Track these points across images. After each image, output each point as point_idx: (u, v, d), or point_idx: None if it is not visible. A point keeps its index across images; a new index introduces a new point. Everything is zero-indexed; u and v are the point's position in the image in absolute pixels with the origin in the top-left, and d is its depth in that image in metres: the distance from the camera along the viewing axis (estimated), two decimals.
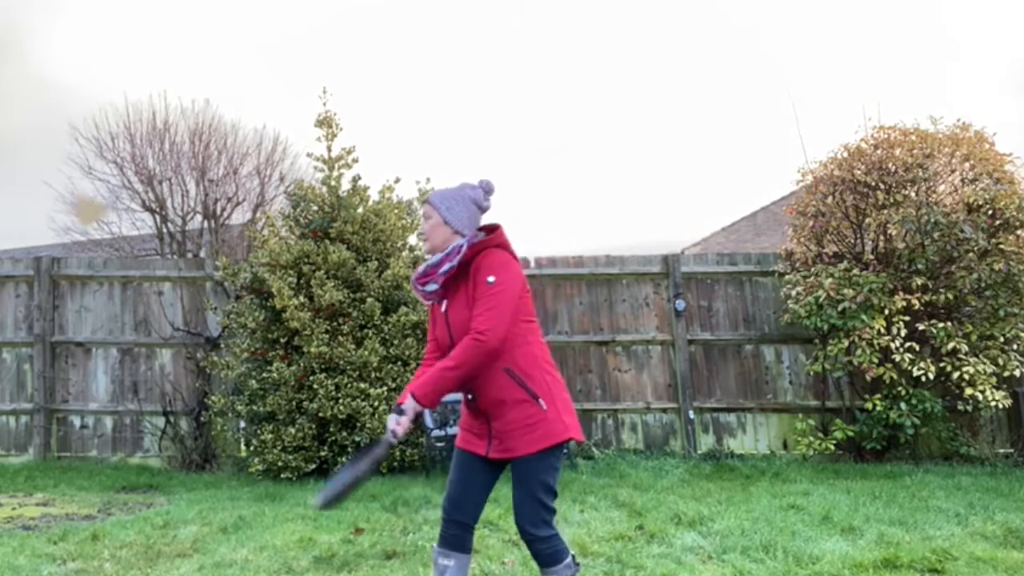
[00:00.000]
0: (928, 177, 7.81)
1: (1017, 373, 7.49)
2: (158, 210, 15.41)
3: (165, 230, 15.51)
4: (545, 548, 2.81)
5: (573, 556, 2.88)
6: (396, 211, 7.96)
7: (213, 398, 7.73)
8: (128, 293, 8.52)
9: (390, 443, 2.87)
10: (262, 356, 7.49)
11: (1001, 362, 7.36)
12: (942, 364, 7.35)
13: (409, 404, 2.79)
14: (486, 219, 3.11)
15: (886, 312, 7.40)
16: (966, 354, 7.31)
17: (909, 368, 7.29)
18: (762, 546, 4.35)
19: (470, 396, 2.89)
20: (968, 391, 7.22)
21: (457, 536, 2.95)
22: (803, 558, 4.13)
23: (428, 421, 7.09)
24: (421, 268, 2.97)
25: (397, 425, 2.81)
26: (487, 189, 3.04)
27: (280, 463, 6.98)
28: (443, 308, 2.96)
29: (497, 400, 2.82)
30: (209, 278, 8.44)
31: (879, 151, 7.97)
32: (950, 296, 7.50)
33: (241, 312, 7.65)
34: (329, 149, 7.98)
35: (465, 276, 2.86)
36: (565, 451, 2.90)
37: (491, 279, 2.78)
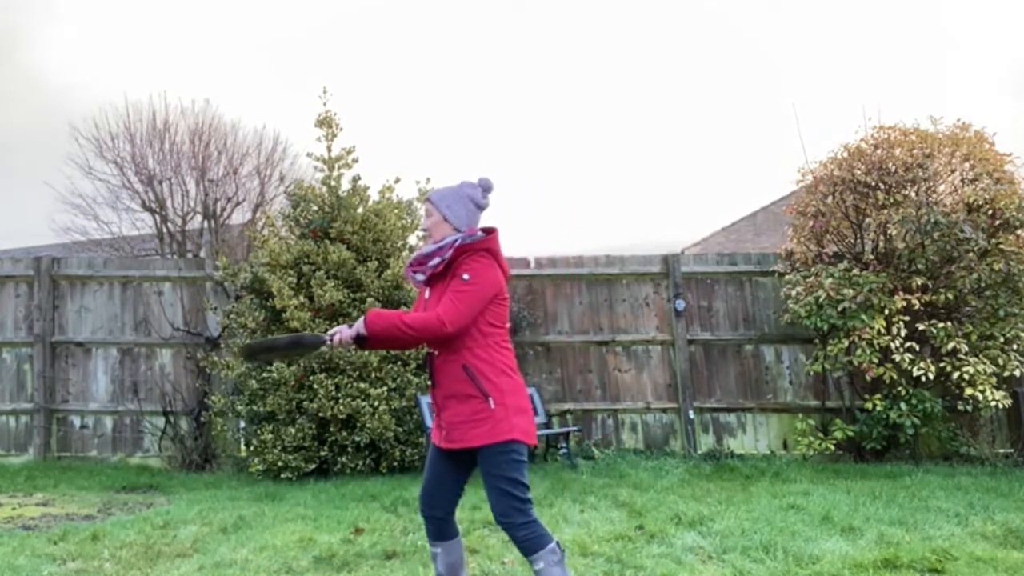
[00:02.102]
0: (928, 177, 7.81)
1: (1017, 373, 7.48)
2: (158, 210, 15.41)
3: (165, 230, 15.51)
4: (522, 535, 2.92)
5: (558, 542, 2.96)
6: (396, 211, 7.96)
7: (213, 398, 7.73)
8: (128, 293, 8.51)
9: (323, 340, 3.05)
10: None
11: (1001, 362, 7.36)
12: (942, 364, 7.35)
13: (359, 323, 2.96)
14: (486, 217, 3.20)
15: (886, 312, 7.40)
16: (966, 354, 7.31)
17: (909, 368, 7.29)
18: (762, 546, 4.34)
19: (430, 383, 3.08)
20: (968, 391, 7.22)
21: (437, 527, 3.15)
22: (803, 558, 4.13)
23: (428, 421, 7.09)
24: (415, 255, 3.16)
25: (338, 334, 3.00)
26: (486, 187, 3.17)
27: (280, 463, 6.98)
28: (426, 295, 3.14)
29: (450, 393, 3.01)
30: (209, 278, 8.44)
31: (879, 151, 7.97)
32: (950, 296, 7.50)
33: (241, 312, 7.65)
34: (329, 149, 7.98)
35: (448, 273, 3.03)
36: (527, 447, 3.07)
37: (466, 277, 2.97)
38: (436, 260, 3.04)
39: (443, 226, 3.08)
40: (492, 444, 2.93)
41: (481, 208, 3.14)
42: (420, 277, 3.11)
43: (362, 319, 2.96)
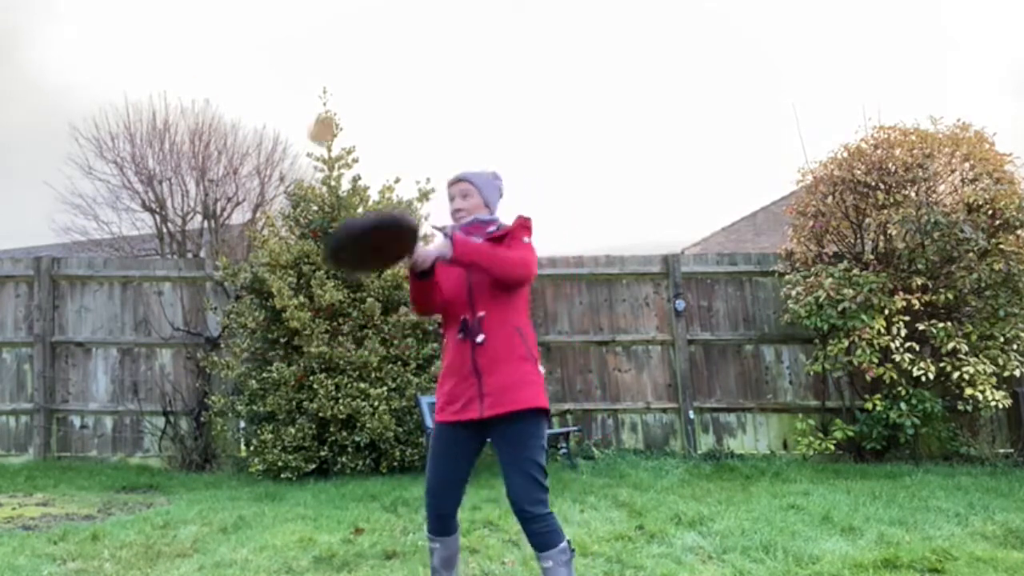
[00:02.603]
0: (928, 177, 7.81)
1: (1017, 373, 7.48)
2: (158, 210, 15.41)
3: (165, 230, 15.51)
4: (540, 528, 2.85)
5: (569, 541, 2.91)
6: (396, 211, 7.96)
7: (213, 398, 7.73)
8: (128, 293, 8.51)
9: (414, 225, 2.79)
10: (262, 356, 7.49)
11: (1001, 362, 7.36)
12: (942, 364, 7.35)
13: (443, 244, 2.86)
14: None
15: (886, 312, 7.40)
16: (966, 354, 7.31)
17: (909, 368, 7.29)
18: (762, 546, 4.34)
19: (480, 339, 2.94)
20: (968, 391, 7.22)
21: (443, 524, 3.10)
22: (803, 558, 4.13)
23: (428, 421, 7.09)
24: (466, 221, 3.10)
25: (430, 247, 2.89)
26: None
27: (280, 463, 6.98)
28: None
29: (500, 355, 2.94)
30: (209, 278, 8.44)
31: (879, 151, 7.97)
32: (950, 296, 7.50)
33: (241, 312, 7.65)
34: (329, 149, 7.98)
35: (504, 241, 3.08)
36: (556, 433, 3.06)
37: (527, 239, 3.10)
38: (494, 228, 3.12)
39: (484, 210, 3.15)
40: (534, 408, 2.91)
41: (501, 199, 3.26)
42: (478, 239, 3.03)
43: (448, 240, 2.85)
